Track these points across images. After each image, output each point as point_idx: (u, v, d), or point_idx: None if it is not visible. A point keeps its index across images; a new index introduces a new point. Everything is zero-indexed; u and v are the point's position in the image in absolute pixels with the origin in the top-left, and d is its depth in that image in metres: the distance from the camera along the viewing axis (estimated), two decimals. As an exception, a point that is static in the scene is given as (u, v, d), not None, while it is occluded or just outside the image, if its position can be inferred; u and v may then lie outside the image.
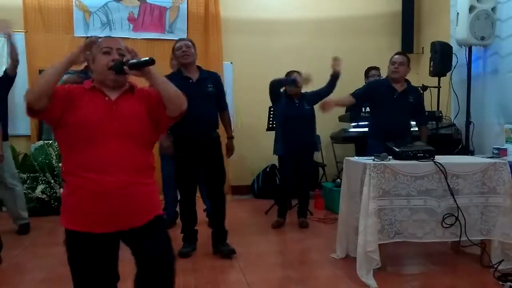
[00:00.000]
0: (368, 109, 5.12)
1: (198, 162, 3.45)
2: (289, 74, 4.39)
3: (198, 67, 3.49)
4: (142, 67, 1.75)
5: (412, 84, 4.11)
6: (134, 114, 1.79)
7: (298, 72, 4.37)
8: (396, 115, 3.82)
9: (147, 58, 1.75)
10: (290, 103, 4.35)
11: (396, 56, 3.94)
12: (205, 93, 3.39)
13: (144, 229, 1.79)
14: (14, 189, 4.17)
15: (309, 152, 4.49)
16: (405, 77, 3.96)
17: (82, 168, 1.72)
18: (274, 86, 4.33)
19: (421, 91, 4.05)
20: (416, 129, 4.70)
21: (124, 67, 1.75)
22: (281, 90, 4.40)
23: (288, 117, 4.32)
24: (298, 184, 4.56)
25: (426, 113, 4.41)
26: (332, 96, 4.31)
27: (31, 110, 1.70)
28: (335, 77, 4.35)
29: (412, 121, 4.11)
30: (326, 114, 3.94)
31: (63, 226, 1.83)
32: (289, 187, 4.51)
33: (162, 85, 1.79)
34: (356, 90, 4.22)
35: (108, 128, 1.72)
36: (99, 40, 1.84)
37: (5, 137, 4.12)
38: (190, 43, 3.40)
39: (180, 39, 3.52)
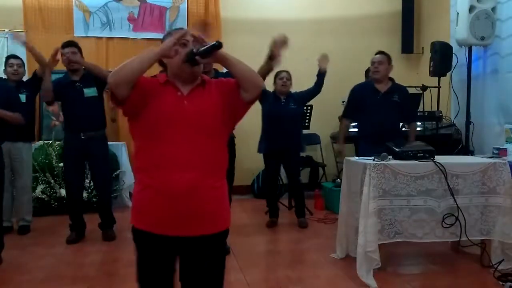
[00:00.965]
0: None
1: None
2: (278, 73, 4.37)
3: (214, 69, 3.50)
4: (211, 52, 1.65)
5: (411, 84, 4.10)
6: (206, 108, 1.68)
7: (287, 71, 4.36)
8: (382, 116, 3.72)
9: (214, 43, 1.64)
10: (277, 102, 4.36)
11: (375, 55, 3.88)
12: None
13: (203, 246, 1.67)
14: (25, 192, 4.22)
15: (293, 152, 4.46)
16: (389, 76, 3.89)
17: (151, 165, 1.64)
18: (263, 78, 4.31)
19: (406, 89, 3.98)
20: (418, 128, 4.72)
21: (196, 57, 1.65)
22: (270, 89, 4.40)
23: (273, 115, 4.32)
24: (289, 184, 4.58)
25: (421, 111, 4.37)
26: (334, 94, 4.31)
27: (114, 97, 1.61)
28: (321, 74, 4.34)
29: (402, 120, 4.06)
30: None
31: (132, 225, 1.72)
32: (274, 186, 4.52)
33: (237, 66, 1.69)
34: (343, 101, 4.20)
35: (179, 125, 1.62)
36: (172, 32, 1.73)
37: (31, 137, 4.23)
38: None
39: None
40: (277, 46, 3.45)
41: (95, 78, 3.88)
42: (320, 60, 4.32)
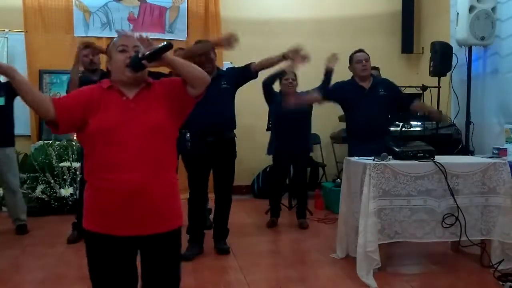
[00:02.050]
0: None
1: (210, 161, 3.45)
2: (283, 72, 4.36)
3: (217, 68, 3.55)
4: (160, 55, 1.65)
5: (411, 84, 4.10)
6: (152, 110, 1.72)
7: (293, 72, 4.35)
8: (370, 112, 3.69)
9: (163, 44, 1.65)
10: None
11: (359, 53, 3.83)
12: (219, 90, 3.39)
13: (160, 243, 1.73)
14: (16, 192, 4.20)
15: (303, 152, 4.47)
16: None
17: (100, 168, 1.67)
18: (267, 84, 4.30)
19: (388, 79, 3.98)
20: (418, 128, 4.73)
21: (143, 61, 1.66)
22: (275, 89, 4.39)
23: (283, 116, 4.30)
24: (294, 184, 4.57)
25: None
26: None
27: (48, 124, 1.71)
28: (328, 73, 4.34)
29: (397, 114, 4.10)
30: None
31: (84, 227, 1.79)
32: (281, 187, 4.52)
33: (184, 67, 1.74)
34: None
35: (126, 128, 1.66)
36: (115, 39, 1.79)
37: (11, 142, 4.15)
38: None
39: (199, 42, 3.58)
40: (296, 55, 3.46)
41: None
42: (329, 59, 4.29)
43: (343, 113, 5.58)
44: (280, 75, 4.25)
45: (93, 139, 1.69)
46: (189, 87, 1.76)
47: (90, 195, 1.73)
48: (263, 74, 4.33)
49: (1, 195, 4.89)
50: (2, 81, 4.26)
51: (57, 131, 1.71)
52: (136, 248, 1.76)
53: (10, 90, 4.08)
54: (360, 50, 3.87)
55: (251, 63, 3.53)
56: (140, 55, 1.67)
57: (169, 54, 1.71)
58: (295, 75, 4.36)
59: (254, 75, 3.54)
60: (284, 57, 3.43)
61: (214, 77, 3.39)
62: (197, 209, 3.48)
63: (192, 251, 3.41)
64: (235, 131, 3.62)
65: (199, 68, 1.79)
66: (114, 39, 1.82)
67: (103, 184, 1.66)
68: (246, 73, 3.52)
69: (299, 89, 4.48)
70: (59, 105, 1.67)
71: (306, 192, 4.54)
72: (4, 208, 4.90)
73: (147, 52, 1.66)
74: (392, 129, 4.82)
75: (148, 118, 1.70)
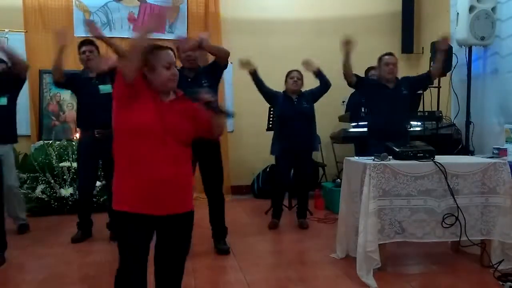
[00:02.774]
0: (367, 109, 5.14)
1: (195, 162, 3.46)
2: (289, 73, 4.39)
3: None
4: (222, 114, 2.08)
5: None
6: (179, 117, 2.01)
7: (298, 71, 4.37)
8: (392, 112, 3.88)
9: (229, 113, 2.10)
10: (289, 101, 4.34)
11: (389, 57, 3.99)
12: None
13: (182, 223, 2.05)
14: (15, 192, 4.19)
15: (307, 152, 4.47)
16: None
17: (131, 157, 1.96)
18: (258, 88, 4.33)
19: (406, 76, 4.24)
20: (418, 128, 4.76)
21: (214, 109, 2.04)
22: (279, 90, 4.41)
23: (286, 116, 4.31)
24: (296, 184, 4.56)
25: (421, 111, 4.70)
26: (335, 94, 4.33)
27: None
28: (317, 74, 4.36)
29: (412, 114, 4.29)
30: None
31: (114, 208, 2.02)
32: (283, 188, 4.52)
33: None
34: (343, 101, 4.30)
35: (157, 127, 1.94)
36: (157, 51, 2.02)
37: (12, 140, 4.14)
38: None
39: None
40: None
41: (112, 75, 3.92)
42: (304, 67, 4.32)
43: (343, 113, 5.64)
44: (253, 75, 4.27)
45: (127, 126, 2.01)
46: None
47: (118, 178, 2.06)
48: (270, 76, 4.36)
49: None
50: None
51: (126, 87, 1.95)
52: (154, 226, 2.03)
53: (13, 89, 4.11)
54: (390, 54, 4.05)
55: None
56: (215, 106, 2.04)
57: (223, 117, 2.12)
58: (300, 75, 4.36)
59: (223, 66, 3.57)
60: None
61: (193, 77, 3.46)
62: None
63: None
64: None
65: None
66: (160, 51, 2.03)
67: (134, 172, 2.00)
68: (215, 66, 3.56)
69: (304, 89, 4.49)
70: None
71: (307, 192, 4.53)
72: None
73: (220, 108, 2.07)
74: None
75: (175, 122, 2.01)
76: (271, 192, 4.69)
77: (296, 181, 4.54)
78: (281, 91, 4.42)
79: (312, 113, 4.42)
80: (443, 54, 4.03)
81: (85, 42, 4.01)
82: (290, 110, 4.30)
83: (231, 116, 2.11)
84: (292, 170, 4.54)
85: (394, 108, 3.89)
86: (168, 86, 2.02)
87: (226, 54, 3.51)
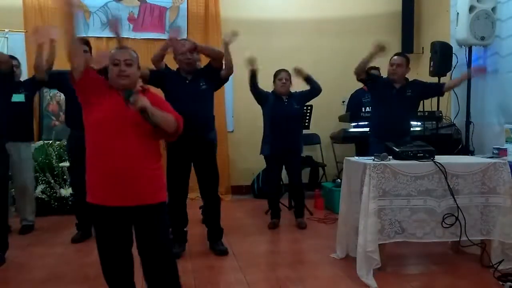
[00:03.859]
0: (367, 109, 5.15)
1: (189, 162, 3.46)
2: (277, 73, 4.38)
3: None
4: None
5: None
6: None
7: (286, 71, 4.37)
8: (394, 112, 3.87)
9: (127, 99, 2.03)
10: (279, 102, 4.34)
11: (395, 57, 3.99)
12: (198, 92, 3.42)
13: (147, 215, 2.12)
14: (28, 192, 4.22)
15: (295, 151, 4.46)
16: (405, 77, 4.01)
17: (98, 152, 2.09)
18: (251, 87, 4.32)
19: (417, 79, 4.17)
20: (418, 128, 4.76)
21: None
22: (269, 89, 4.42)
23: (276, 116, 4.31)
24: (290, 184, 4.57)
25: (421, 111, 4.63)
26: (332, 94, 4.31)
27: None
28: (307, 80, 4.36)
29: (415, 115, 4.29)
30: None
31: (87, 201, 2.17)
32: (276, 187, 4.52)
33: (160, 124, 2.09)
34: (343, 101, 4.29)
35: (118, 121, 2.06)
36: (111, 51, 2.20)
37: (30, 137, 4.21)
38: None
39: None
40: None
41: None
42: (295, 74, 4.32)
43: (343, 113, 5.64)
44: (253, 73, 4.26)
45: (91, 123, 2.16)
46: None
47: (89, 173, 2.19)
48: (270, 76, 4.35)
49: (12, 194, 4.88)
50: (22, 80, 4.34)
51: (73, 83, 2.15)
52: (129, 221, 2.15)
53: (32, 87, 4.13)
54: (399, 54, 4.07)
55: None
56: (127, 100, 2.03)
57: (149, 109, 2.03)
58: (289, 75, 4.36)
59: (217, 68, 3.57)
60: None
61: (192, 78, 3.46)
62: (178, 211, 3.48)
63: (178, 249, 3.45)
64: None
65: (170, 121, 2.12)
66: (112, 51, 2.20)
67: (100, 166, 2.16)
68: (210, 68, 3.57)
69: (294, 89, 4.48)
70: (88, 69, 2.16)
71: (302, 192, 4.52)
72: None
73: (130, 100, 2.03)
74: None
75: (135, 116, 2.05)
76: (266, 192, 4.69)
77: (289, 180, 4.55)
78: (270, 91, 4.42)
79: (299, 115, 4.45)
80: (466, 78, 4.08)
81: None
82: (281, 111, 4.30)
83: (129, 100, 2.03)
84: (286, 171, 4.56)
85: (395, 108, 3.88)
86: (118, 82, 2.12)
87: (219, 55, 3.49)
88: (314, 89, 4.36)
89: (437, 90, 4.09)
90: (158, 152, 2.21)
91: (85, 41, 3.99)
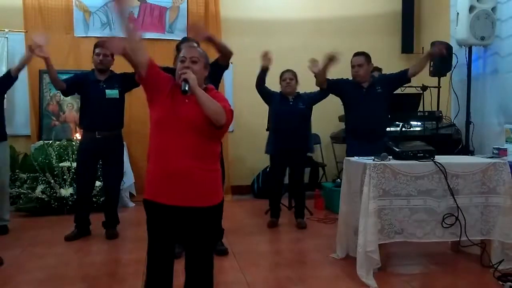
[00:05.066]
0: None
1: None
2: (282, 74, 4.40)
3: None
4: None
5: (411, 84, 4.11)
6: (198, 109, 2.02)
7: (291, 71, 4.37)
8: (367, 111, 3.83)
9: (182, 88, 2.02)
10: (284, 101, 4.36)
11: (354, 58, 3.94)
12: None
13: (201, 216, 2.09)
14: (5, 191, 4.16)
15: (301, 152, 4.47)
16: (371, 74, 3.99)
17: (158, 150, 2.07)
18: (258, 85, 4.31)
19: (384, 74, 4.14)
20: (418, 128, 4.75)
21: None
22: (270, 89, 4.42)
23: (281, 115, 4.32)
24: (291, 184, 4.57)
25: (421, 111, 4.61)
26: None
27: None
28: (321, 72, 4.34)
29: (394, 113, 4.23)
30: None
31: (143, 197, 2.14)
32: (279, 187, 4.51)
33: (203, 103, 2.02)
34: None
35: (178, 121, 2.03)
36: (182, 45, 2.27)
37: (3, 136, 4.09)
38: (194, 45, 3.40)
39: (184, 40, 3.50)
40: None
41: (121, 80, 3.97)
42: (310, 66, 4.29)
43: (343, 113, 5.62)
44: (263, 72, 4.27)
45: (154, 120, 2.13)
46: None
47: (148, 171, 2.16)
48: (270, 76, 4.34)
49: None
50: None
51: (140, 80, 2.10)
52: (178, 218, 2.09)
53: (1, 85, 4.07)
54: (357, 54, 3.96)
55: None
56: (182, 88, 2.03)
57: (197, 90, 2.02)
58: (293, 75, 4.37)
59: (224, 66, 3.58)
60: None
61: None
62: None
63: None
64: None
65: (218, 109, 2.03)
66: (181, 45, 2.25)
67: (158, 165, 2.12)
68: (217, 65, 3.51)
69: (301, 90, 4.48)
70: (152, 63, 2.08)
71: (303, 191, 4.53)
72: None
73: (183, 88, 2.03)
74: (392, 129, 4.83)
75: (196, 116, 2.04)
76: (268, 191, 4.69)
77: (291, 181, 4.55)
78: (278, 91, 4.43)
79: (307, 114, 4.43)
80: (430, 58, 3.94)
81: (101, 44, 3.97)
82: (286, 110, 4.31)
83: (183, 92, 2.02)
84: (288, 170, 4.55)
85: (368, 107, 3.83)
86: (180, 77, 2.07)
87: (230, 53, 3.48)
88: (324, 91, 4.34)
89: (403, 78, 3.93)
90: (217, 153, 2.18)
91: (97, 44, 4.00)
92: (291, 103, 4.34)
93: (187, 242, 2.17)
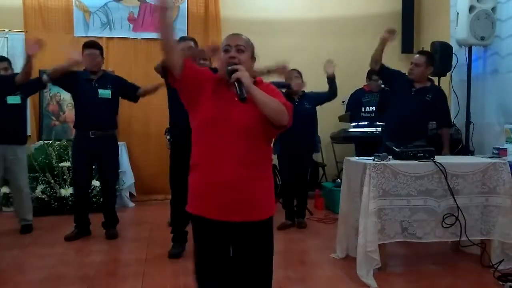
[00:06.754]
0: (367, 109, 5.15)
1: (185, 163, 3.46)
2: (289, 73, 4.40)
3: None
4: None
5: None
6: (251, 109, 1.74)
7: (295, 70, 4.37)
8: (410, 112, 3.76)
9: (239, 94, 1.71)
10: (290, 101, 4.33)
11: (415, 55, 3.93)
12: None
13: (253, 232, 1.81)
14: (24, 192, 4.23)
15: (307, 152, 4.47)
16: (428, 77, 3.93)
17: (202, 157, 1.79)
18: None
19: (442, 91, 4.03)
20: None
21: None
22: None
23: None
24: (296, 184, 4.56)
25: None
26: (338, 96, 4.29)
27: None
28: (330, 79, 4.36)
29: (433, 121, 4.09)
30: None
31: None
32: (289, 186, 4.50)
33: (263, 104, 1.75)
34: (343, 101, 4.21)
35: (226, 122, 1.74)
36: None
37: (23, 141, 4.19)
38: (192, 44, 3.40)
39: (182, 38, 3.49)
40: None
41: (116, 83, 4.03)
42: (325, 66, 4.30)
43: (343, 113, 5.63)
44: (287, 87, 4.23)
45: (198, 123, 1.84)
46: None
47: (192, 180, 1.93)
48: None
49: (1, 194, 4.90)
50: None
51: (174, 84, 1.82)
52: (229, 234, 1.81)
53: (27, 89, 4.13)
54: (420, 52, 3.96)
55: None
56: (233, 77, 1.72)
57: (249, 84, 1.72)
58: (298, 73, 4.36)
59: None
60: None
61: None
62: (180, 210, 3.44)
63: (178, 249, 3.46)
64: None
65: (278, 107, 1.81)
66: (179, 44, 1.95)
67: (204, 174, 1.84)
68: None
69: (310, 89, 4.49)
70: (188, 62, 1.80)
71: (306, 192, 4.53)
72: (4, 208, 4.92)
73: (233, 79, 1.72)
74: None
75: (246, 116, 1.77)
76: (280, 194, 4.61)
77: (296, 181, 4.54)
78: (283, 91, 4.43)
79: (313, 114, 4.42)
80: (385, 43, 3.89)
81: (89, 44, 3.99)
82: (292, 111, 4.28)
83: (242, 99, 1.72)
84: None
85: (412, 110, 3.75)
86: (226, 68, 1.77)
87: None
88: (332, 92, 4.36)
89: (438, 123, 4.00)
90: (270, 157, 1.92)
91: (94, 44, 4.02)
92: (296, 103, 4.33)
93: (244, 260, 1.85)
